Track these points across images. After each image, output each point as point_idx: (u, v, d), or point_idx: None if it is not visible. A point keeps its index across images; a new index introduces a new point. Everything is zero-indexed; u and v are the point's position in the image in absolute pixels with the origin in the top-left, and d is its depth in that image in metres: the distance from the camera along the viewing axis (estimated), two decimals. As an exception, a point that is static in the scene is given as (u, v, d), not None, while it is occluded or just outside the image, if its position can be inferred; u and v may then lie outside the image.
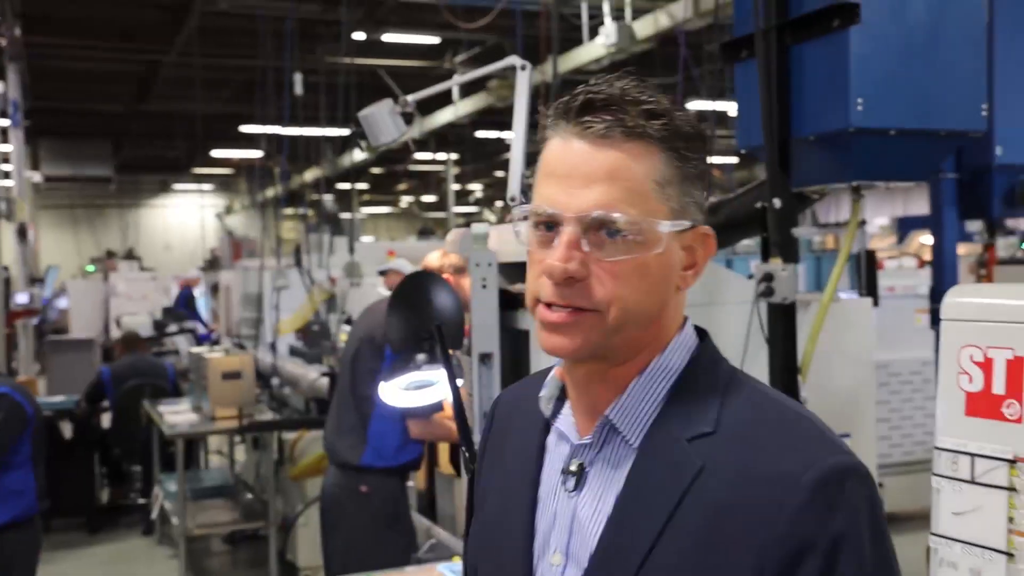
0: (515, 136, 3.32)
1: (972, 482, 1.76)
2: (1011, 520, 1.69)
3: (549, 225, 1.02)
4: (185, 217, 26.08)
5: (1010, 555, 1.68)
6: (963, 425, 1.80)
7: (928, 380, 6.37)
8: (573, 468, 1.07)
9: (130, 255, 18.76)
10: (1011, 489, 1.70)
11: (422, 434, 3.65)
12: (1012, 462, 1.70)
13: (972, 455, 1.77)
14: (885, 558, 0.99)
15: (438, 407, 3.54)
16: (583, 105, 1.01)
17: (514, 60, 3.33)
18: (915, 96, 2.89)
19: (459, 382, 2.37)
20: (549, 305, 1.02)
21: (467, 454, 2.27)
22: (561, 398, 1.13)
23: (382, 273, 6.22)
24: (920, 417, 6.48)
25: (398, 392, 2.63)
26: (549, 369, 1.22)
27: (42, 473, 3.80)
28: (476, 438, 2.33)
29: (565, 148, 1.02)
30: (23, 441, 3.68)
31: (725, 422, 1.01)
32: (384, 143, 3.47)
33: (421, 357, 2.50)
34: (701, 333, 1.11)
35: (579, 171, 1.00)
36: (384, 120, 3.44)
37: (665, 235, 1.01)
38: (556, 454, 1.12)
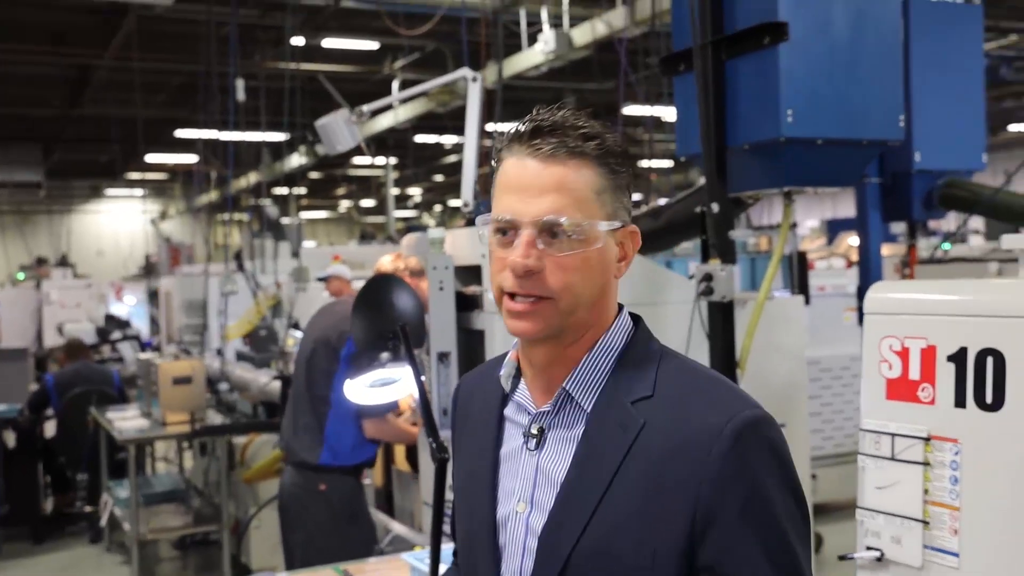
0: (467, 144, 3.47)
1: (892, 459, 1.97)
2: (926, 492, 1.90)
3: (507, 230, 1.23)
4: (118, 223, 25.60)
5: (925, 523, 1.89)
6: (884, 408, 2.01)
7: (857, 375, 6.52)
8: (534, 431, 1.28)
9: (63, 262, 18.35)
10: (926, 464, 1.90)
11: (377, 433, 3.74)
12: (927, 440, 1.90)
13: (892, 435, 1.97)
14: (792, 483, 1.22)
15: (392, 406, 3.66)
16: (533, 131, 1.23)
17: (465, 72, 3.48)
18: (839, 108, 3.11)
19: (422, 378, 2.51)
20: (512, 296, 1.22)
21: (434, 444, 2.41)
22: (517, 376, 1.34)
23: (322, 279, 6.28)
24: (850, 411, 6.72)
25: (363, 390, 2.75)
26: (504, 354, 1.43)
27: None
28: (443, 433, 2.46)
29: (519, 166, 1.24)
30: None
31: (660, 387, 1.24)
32: (340, 151, 3.61)
33: (385, 356, 2.63)
34: (635, 318, 1.34)
35: (532, 184, 1.22)
36: (340, 129, 3.57)
37: (603, 233, 1.23)
38: (515, 422, 1.33)
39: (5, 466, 6.67)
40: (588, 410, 1.25)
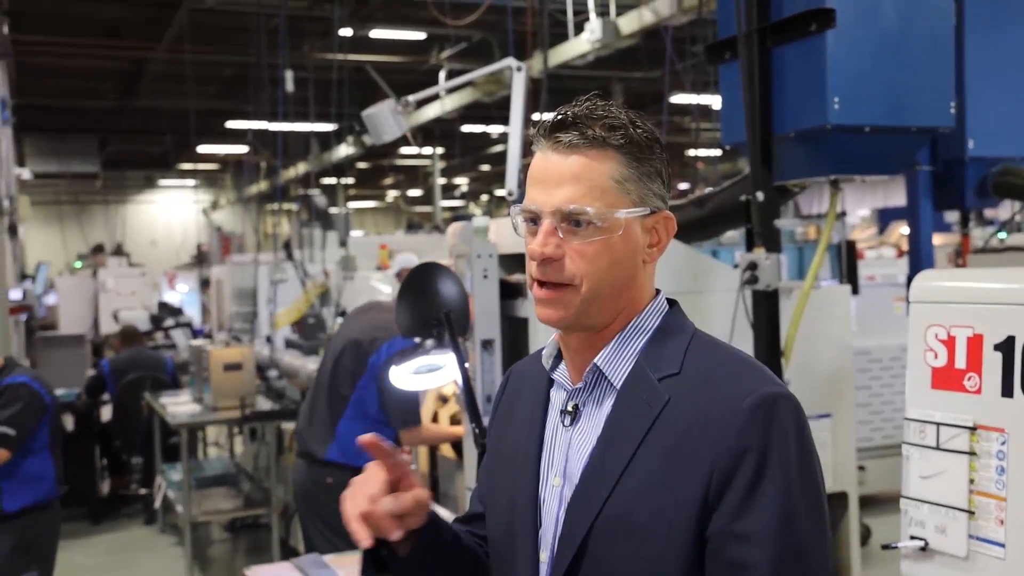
0: (512, 133, 3.49)
1: (938, 448, 1.95)
2: (971, 482, 1.88)
3: (534, 220, 1.28)
4: (171, 213, 26.03)
5: (971, 512, 1.87)
6: (929, 397, 1.99)
7: (906, 366, 6.52)
8: (569, 408, 1.34)
9: (118, 251, 18.72)
10: (971, 454, 1.89)
11: (414, 442, 3.78)
12: (972, 429, 1.88)
13: (937, 424, 1.95)
14: (808, 461, 1.23)
15: (418, 419, 3.69)
16: (555, 125, 1.27)
17: (510, 62, 3.49)
18: (888, 95, 3.06)
19: (466, 365, 2.54)
20: (541, 285, 1.27)
21: (476, 430, 2.44)
22: (559, 357, 1.38)
23: (399, 275, 6.29)
24: (900, 402, 6.61)
25: (408, 376, 2.78)
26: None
27: (60, 459, 3.95)
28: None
29: (543, 159, 1.29)
30: (41, 428, 3.82)
31: (688, 365, 1.27)
32: (387, 140, 3.64)
33: (430, 343, 2.66)
34: (671, 302, 1.36)
35: (552, 175, 1.27)
36: (386, 119, 3.60)
37: (624, 221, 1.26)
38: (556, 402, 1.38)
39: (64, 449, 6.85)
40: (618, 387, 1.29)
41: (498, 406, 1.52)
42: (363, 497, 1.25)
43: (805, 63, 3.04)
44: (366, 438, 1.28)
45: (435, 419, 4.08)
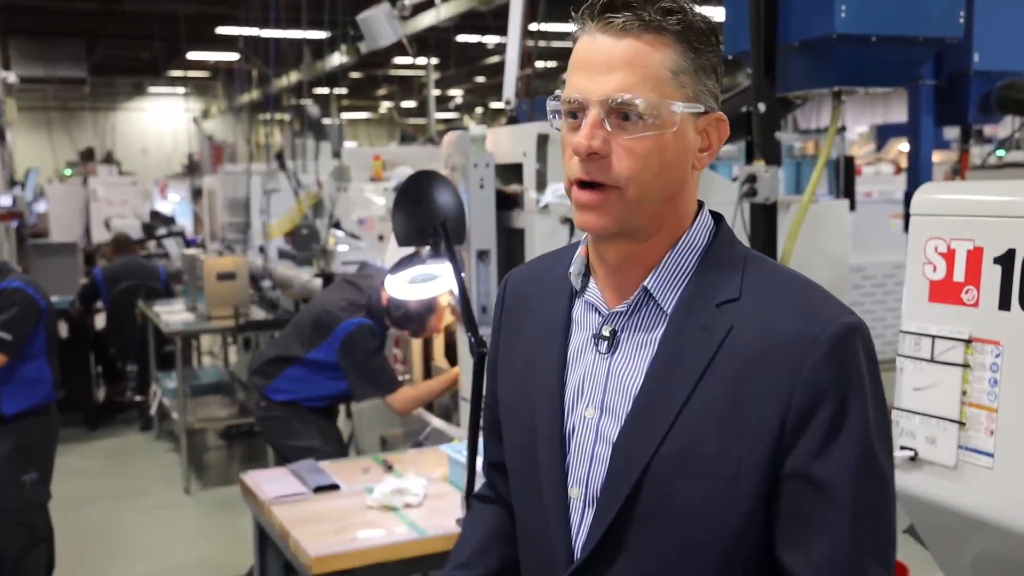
0: (510, 42, 3.42)
1: (932, 361, 1.96)
2: (964, 393, 1.89)
3: (575, 112, 1.14)
4: (161, 121, 25.67)
5: (962, 424, 1.89)
6: (926, 310, 1.99)
7: (900, 283, 6.52)
8: (606, 333, 1.20)
9: (109, 159, 18.49)
10: (965, 366, 1.89)
11: (407, 406, 3.80)
12: (968, 342, 1.89)
13: (933, 337, 1.95)
14: (881, 393, 1.16)
15: (392, 383, 3.79)
16: (606, 3, 1.12)
17: (509, -35, 3.40)
18: (896, 3, 2.98)
19: (462, 275, 2.53)
20: (581, 187, 1.14)
21: (473, 339, 2.44)
22: (586, 275, 1.25)
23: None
24: (892, 319, 6.65)
25: (404, 285, 2.78)
26: (562, 250, 1.37)
27: (56, 363, 3.96)
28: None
29: (591, 42, 1.13)
30: (38, 333, 3.82)
31: (748, 289, 1.15)
32: (382, 46, 3.57)
33: (425, 251, 2.65)
34: (716, 216, 1.24)
35: (601, 60, 1.12)
36: (381, 23, 3.53)
37: (679, 117, 1.12)
38: (583, 322, 1.24)
39: (59, 355, 6.88)
40: (669, 312, 1.17)
41: (500, 318, 1.39)
42: None
43: (812, -30, 2.97)
44: None
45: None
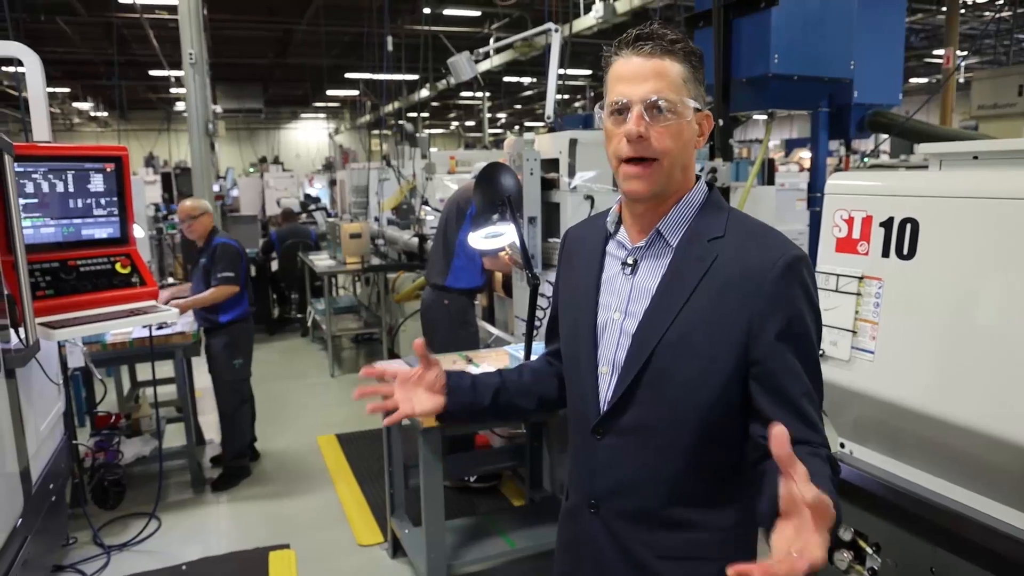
0: (550, 77, 3.36)
1: (836, 291, 1.95)
2: (856, 312, 1.88)
3: (621, 111, 1.13)
4: (309, 136, 25.71)
5: (854, 332, 1.88)
6: (833, 257, 1.96)
7: (804, 244, 6.42)
8: (630, 261, 1.20)
9: (276, 161, 18.54)
10: (858, 294, 1.88)
11: (492, 266, 3.73)
12: (860, 278, 1.87)
13: (838, 275, 1.94)
14: (817, 304, 1.15)
15: (499, 251, 3.65)
16: (636, 37, 1.13)
17: (550, 25, 3.33)
18: (810, 53, 2.93)
19: (521, 232, 2.53)
20: (628, 162, 1.13)
21: (529, 274, 2.46)
22: (618, 224, 1.26)
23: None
24: (798, 268, 6.53)
25: (480, 239, 2.79)
26: (598, 215, 1.35)
27: (251, 290, 4.03)
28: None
29: (627, 62, 1.13)
30: (242, 271, 3.90)
31: (729, 230, 1.15)
32: (464, 80, 3.53)
33: (495, 217, 2.65)
34: (710, 184, 1.23)
35: (638, 73, 1.12)
36: (463, 64, 3.49)
37: (691, 110, 1.13)
38: (614, 256, 1.24)
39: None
40: (674, 246, 1.17)
41: (561, 257, 1.37)
42: (401, 381, 1.25)
43: (756, 29, 2.92)
44: (417, 343, 1.22)
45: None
